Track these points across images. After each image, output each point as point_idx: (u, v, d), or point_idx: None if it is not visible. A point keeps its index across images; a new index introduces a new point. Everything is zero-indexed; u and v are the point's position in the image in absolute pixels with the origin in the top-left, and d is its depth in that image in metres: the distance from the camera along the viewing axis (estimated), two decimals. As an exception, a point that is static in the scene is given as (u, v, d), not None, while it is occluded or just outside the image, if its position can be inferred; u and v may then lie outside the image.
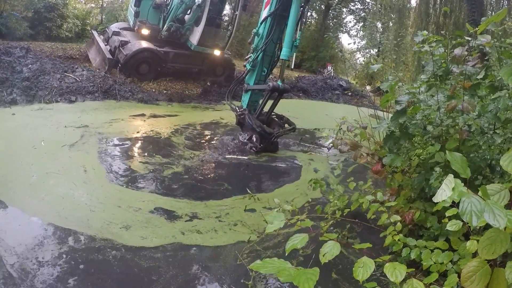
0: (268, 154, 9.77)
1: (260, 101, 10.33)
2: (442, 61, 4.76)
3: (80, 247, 4.82)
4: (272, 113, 10.54)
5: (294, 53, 26.80)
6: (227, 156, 9.19)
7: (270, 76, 11.84)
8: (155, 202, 6.33)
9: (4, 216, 5.32)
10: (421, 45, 4.63)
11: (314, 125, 13.60)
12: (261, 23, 9.95)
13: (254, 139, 9.90)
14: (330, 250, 2.17)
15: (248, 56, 10.42)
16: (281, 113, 10.79)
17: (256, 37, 10.00)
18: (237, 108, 10.44)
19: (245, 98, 10.61)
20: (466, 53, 4.30)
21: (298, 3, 9.26)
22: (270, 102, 10.30)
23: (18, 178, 6.43)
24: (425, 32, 4.59)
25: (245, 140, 10.04)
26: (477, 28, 3.64)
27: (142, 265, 4.65)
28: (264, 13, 9.94)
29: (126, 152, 8.56)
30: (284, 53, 9.57)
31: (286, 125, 10.44)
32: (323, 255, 2.16)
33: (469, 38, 4.36)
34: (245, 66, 10.61)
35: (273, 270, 1.82)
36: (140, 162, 7.98)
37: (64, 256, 4.58)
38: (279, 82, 9.65)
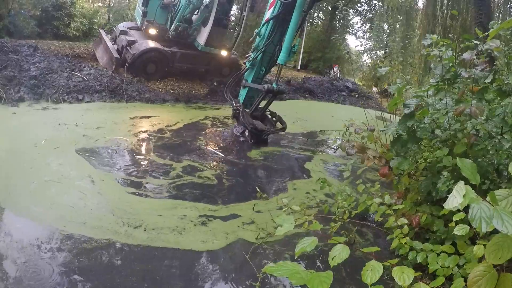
0: (271, 156, 9.81)
1: (256, 98, 10.83)
2: (450, 65, 4.78)
3: (135, 257, 4.74)
4: (267, 110, 10.99)
5: (301, 56, 26.90)
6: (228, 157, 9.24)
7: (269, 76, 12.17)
8: (197, 208, 6.24)
9: (19, 228, 5.08)
10: (430, 49, 4.64)
11: (321, 126, 13.60)
12: (263, 24, 10.21)
13: (246, 134, 10.50)
14: (339, 253, 2.19)
15: (248, 54, 10.82)
16: (277, 112, 11.21)
17: (258, 37, 10.32)
18: (234, 102, 10.92)
19: (243, 93, 11.12)
20: (474, 57, 4.31)
21: (300, 10, 9.41)
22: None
23: (18, 184, 6.16)
24: (435, 36, 4.60)
25: (239, 133, 10.72)
26: (486, 33, 3.65)
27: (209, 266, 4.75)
28: (268, 14, 10.18)
29: (128, 157, 8.32)
30: (281, 58, 9.80)
31: (278, 124, 10.95)
32: (332, 258, 2.19)
33: (478, 42, 4.37)
34: (244, 63, 11.08)
35: (286, 273, 1.84)
36: (146, 168, 7.70)
37: (123, 268, 4.50)
38: (274, 85, 10.01)
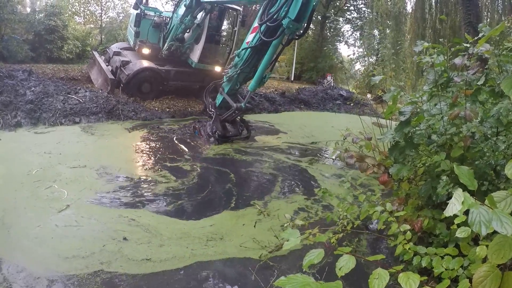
0: (270, 166, 9.86)
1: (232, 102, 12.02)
2: (443, 69, 4.85)
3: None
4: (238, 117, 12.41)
5: (293, 67, 27.07)
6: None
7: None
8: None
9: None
10: (422, 56, 4.72)
11: (318, 138, 13.65)
12: (243, 48, 11.10)
13: (216, 135, 11.90)
14: (346, 263, 2.24)
15: (226, 70, 11.95)
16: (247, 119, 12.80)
17: (237, 57, 11.27)
18: (210, 105, 12.46)
19: (219, 98, 12.40)
20: (466, 61, 4.39)
21: (275, 48, 10.26)
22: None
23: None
24: (426, 44, 4.68)
25: (210, 133, 11.99)
26: (477, 38, 3.73)
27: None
28: (249, 38, 11.00)
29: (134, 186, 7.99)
30: (251, 85, 11.02)
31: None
32: (339, 269, 2.23)
33: (468, 45, 4.45)
34: (223, 75, 12.28)
35: (297, 286, 1.88)
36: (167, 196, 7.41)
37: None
38: (243, 105, 11.47)
